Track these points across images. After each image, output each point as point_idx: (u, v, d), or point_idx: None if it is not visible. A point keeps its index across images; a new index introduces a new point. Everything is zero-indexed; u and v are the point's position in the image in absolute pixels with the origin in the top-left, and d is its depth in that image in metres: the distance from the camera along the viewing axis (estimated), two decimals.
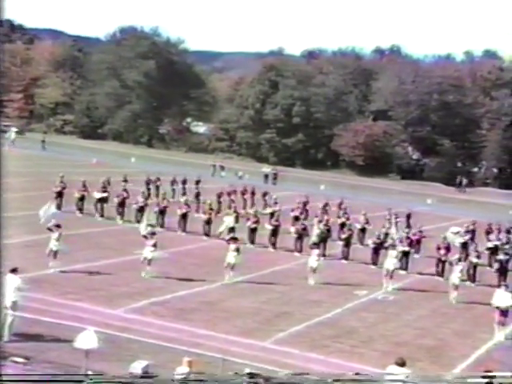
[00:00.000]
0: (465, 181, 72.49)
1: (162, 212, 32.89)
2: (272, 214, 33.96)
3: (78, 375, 12.01)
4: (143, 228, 26.29)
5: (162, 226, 32.02)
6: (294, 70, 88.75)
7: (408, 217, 38.32)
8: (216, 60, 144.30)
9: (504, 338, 20.55)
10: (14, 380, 7.05)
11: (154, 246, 23.93)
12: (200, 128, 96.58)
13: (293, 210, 36.18)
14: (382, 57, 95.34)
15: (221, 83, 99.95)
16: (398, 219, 35.10)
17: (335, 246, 31.15)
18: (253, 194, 41.35)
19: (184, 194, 38.37)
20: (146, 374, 13.87)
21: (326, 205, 38.52)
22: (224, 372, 14.98)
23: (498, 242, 31.04)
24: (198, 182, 42.04)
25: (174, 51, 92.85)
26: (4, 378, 8.05)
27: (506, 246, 30.36)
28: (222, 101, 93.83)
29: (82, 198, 33.79)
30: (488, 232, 34.06)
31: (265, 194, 41.59)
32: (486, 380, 12.74)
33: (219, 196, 38.75)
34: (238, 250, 24.61)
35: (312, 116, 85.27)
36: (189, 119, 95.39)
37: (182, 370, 13.55)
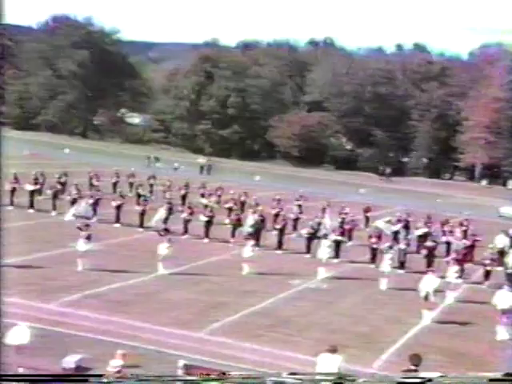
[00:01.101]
0: (388, 170, 73.95)
1: (95, 204, 32.70)
2: (207, 205, 34.11)
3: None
4: (68, 216, 26.35)
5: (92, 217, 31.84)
6: (229, 61, 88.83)
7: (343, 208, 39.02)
8: (151, 50, 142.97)
9: (431, 322, 21.25)
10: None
11: (88, 238, 23.78)
12: (135, 119, 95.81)
13: (227, 202, 36.45)
14: (316, 49, 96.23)
15: (156, 74, 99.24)
16: (330, 209, 35.62)
17: (269, 236, 31.50)
18: (186, 185, 41.39)
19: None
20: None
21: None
22: (159, 364, 15.08)
23: (426, 230, 31.89)
24: (133, 175, 42.00)
25: (109, 41, 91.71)
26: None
27: (434, 233, 31.27)
28: (157, 92, 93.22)
29: (13, 191, 33.23)
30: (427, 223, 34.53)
31: (201, 186, 41.67)
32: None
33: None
34: (170, 241, 24.69)
35: (248, 107, 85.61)
36: (124, 110, 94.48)
37: (115, 363, 13.56)
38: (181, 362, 13.39)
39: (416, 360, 13.23)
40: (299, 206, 37.63)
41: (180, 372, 13.17)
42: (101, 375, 4.81)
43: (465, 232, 33.39)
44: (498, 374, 9.69)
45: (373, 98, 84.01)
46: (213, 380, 8.65)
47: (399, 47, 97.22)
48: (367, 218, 36.80)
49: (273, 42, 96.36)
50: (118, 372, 13.12)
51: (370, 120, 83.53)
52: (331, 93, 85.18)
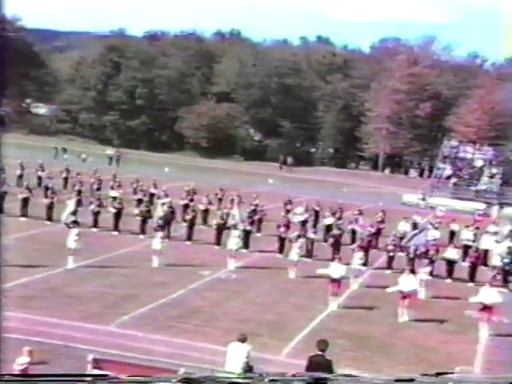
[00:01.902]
0: (290, 160, 75.12)
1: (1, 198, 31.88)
2: (115, 197, 33.83)
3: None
4: None
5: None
6: (136, 51, 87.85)
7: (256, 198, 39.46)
8: (57, 39, 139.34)
9: (337, 307, 21.93)
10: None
11: None
12: (41, 109, 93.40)
13: (136, 193, 36.25)
14: (222, 40, 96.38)
15: (62, 63, 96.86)
16: (239, 199, 35.97)
17: (179, 228, 31.58)
18: (96, 177, 40.84)
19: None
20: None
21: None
22: (68, 359, 14.96)
23: (332, 219, 32.72)
24: (41, 167, 41.11)
25: (11, 29, 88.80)
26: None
27: (339, 222, 32.13)
28: (63, 81, 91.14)
29: None
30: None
31: (112, 177, 41.15)
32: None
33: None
34: (78, 234, 24.42)
35: (155, 98, 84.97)
36: (29, 100, 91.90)
37: (22, 360, 13.38)
38: (90, 357, 13.35)
39: (323, 345, 13.68)
40: (220, 199, 37.79)
41: (89, 366, 13.14)
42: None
43: (382, 222, 34.36)
44: None
45: (279, 89, 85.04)
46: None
47: (303, 39, 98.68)
48: (287, 211, 36.96)
49: (179, 32, 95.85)
50: (25, 370, 12.95)
51: (277, 111, 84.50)
52: (239, 84, 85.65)
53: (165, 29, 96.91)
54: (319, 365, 13.41)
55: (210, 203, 34.77)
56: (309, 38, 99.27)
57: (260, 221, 33.45)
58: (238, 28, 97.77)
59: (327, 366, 13.37)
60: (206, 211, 34.24)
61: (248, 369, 13.66)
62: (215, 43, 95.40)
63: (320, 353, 13.52)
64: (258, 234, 32.35)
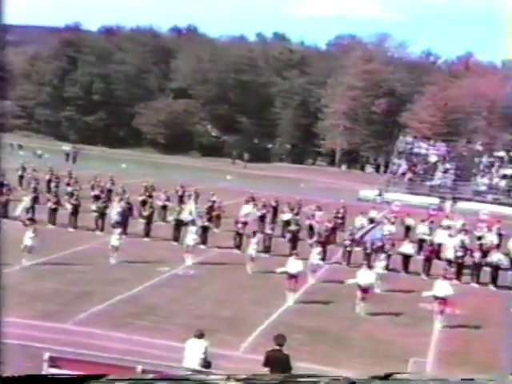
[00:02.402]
0: (246, 156, 75.21)
1: None
2: (72, 194, 33.51)
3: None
4: None
5: None
6: (92, 46, 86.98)
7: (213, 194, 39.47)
8: (10, 33, 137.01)
9: (293, 303, 22.12)
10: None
11: None
12: None
13: (93, 189, 35.99)
14: (179, 36, 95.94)
15: (16, 58, 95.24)
16: (196, 195, 35.95)
17: (137, 224, 31.45)
18: (52, 173, 40.40)
19: None
20: None
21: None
22: (24, 358, 14.84)
23: (290, 215, 32.94)
24: None
25: None
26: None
27: (297, 217, 32.37)
28: (18, 76, 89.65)
29: None
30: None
31: (68, 173, 40.76)
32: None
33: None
34: (35, 231, 24.18)
35: (112, 93, 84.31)
36: None
37: None
38: (46, 355, 13.27)
39: (280, 340, 13.84)
40: (181, 196, 37.61)
41: (45, 365, 13.05)
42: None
43: (342, 217, 34.74)
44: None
45: (236, 85, 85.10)
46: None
47: (260, 35, 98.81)
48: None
49: (136, 27, 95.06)
50: None
51: (234, 107, 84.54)
52: (196, 80, 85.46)
53: (120, 24, 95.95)
54: (276, 359, 13.56)
55: (167, 199, 34.69)
56: (265, 34, 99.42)
57: (218, 217, 33.50)
58: (194, 24, 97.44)
59: (285, 361, 13.53)
60: (163, 207, 34.16)
61: (206, 365, 13.74)
62: (172, 39, 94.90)
63: (278, 347, 13.67)
64: (216, 230, 32.39)
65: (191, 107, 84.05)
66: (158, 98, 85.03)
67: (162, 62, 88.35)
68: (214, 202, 34.87)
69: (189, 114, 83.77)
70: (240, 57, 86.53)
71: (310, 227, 32.46)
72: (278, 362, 13.54)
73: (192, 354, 13.91)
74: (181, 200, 36.57)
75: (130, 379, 5.12)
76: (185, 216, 30.38)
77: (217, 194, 36.82)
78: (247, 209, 32.61)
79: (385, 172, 71.19)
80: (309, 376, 5.22)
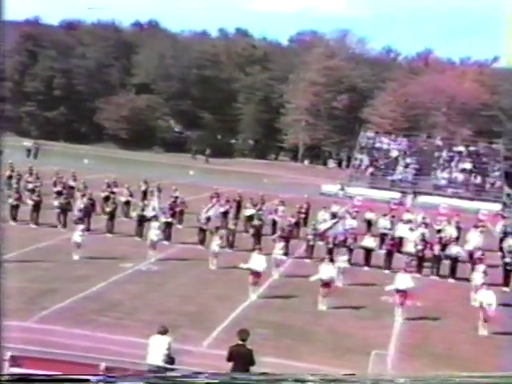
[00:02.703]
0: (207, 151, 75.14)
1: None
2: (34, 190, 33.19)
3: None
4: None
5: None
6: (53, 40, 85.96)
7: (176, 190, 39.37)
8: None
9: (257, 297, 22.26)
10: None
11: None
12: None
13: (55, 185, 35.66)
14: (141, 30, 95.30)
15: None
16: (159, 191, 35.83)
17: (100, 220, 31.29)
18: (12, 169, 39.88)
19: None
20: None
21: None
22: None
23: (253, 210, 33.05)
24: None
25: None
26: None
27: (260, 213, 32.50)
28: None
29: None
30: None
31: (29, 169, 40.29)
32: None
33: None
34: None
35: (74, 88, 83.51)
36: None
37: None
38: (7, 355, 13.16)
39: (244, 335, 13.97)
40: (144, 192, 37.38)
41: (7, 364, 12.96)
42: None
43: (306, 212, 34.94)
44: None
45: (199, 80, 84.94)
46: None
47: (222, 31, 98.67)
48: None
49: (97, 21, 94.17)
50: None
51: (197, 102, 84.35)
52: (158, 75, 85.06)
53: (81, 18, 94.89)
54: (240, 354, 13.70)
55: (130, 195, 34.54)
56: (228, 29, 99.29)
57: (181, 212, 33.48)
58: (155, 19, 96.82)
59: (248, 356, 13.67)
60: (126, 203, 34.02)
61: (169, 361, 13.80)
62: (133, 34, 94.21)
63: (241, 342, 13.80)
64: (180, 226, 32.38)
65: (154, 102, 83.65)
66: (119, 93, 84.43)
67: (124, 57, 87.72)
68: (176, 197, 34.81)
69: (151, 109, 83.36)
70: (202, 52, 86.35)
71: (273, 222, 32.65)
72: (241, 356, 13.67)
73: (155, 350, 13.96)
74: (144, 196, 36.43)
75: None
76: (148, 212, 30.34)
77: (180, 189, 36.76)
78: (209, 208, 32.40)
79: (347, 167, 71.78)
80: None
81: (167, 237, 29.25)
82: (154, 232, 26.74)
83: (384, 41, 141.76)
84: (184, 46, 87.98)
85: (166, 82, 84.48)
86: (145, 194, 37.07)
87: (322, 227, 30.48)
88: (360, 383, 6.97)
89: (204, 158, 74.45)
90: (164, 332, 14.21)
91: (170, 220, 30.10)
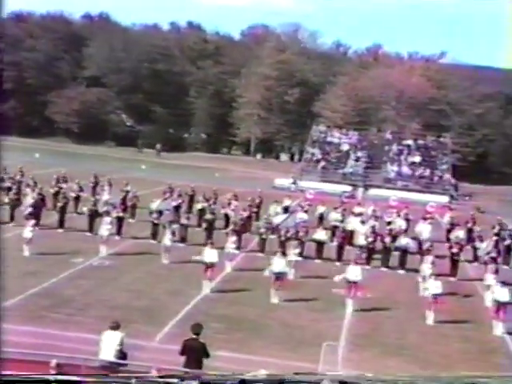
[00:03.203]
0: (158, 146, 74.72)
1: None
2: None
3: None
4: None
5: None
6: (1, 32, 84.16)
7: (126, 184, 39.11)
8: None
9: (210, 291, 22.35)
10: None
11: None
12: None
13: (4, 180, 35.10)
14: (91, 23, 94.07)
15: None
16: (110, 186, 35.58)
17: (50, 215, 30.94)
18: None
19: None
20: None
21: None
22: None
23: (205, 204, 33.08)
24: None
25: None
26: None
27: (213, 207, 32.56)
28: None
29: None
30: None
31: None
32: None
33: None
34: None
35: (24, 81, 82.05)
36: None
37: None
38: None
39: (197, 329, 14.06)
40: (93, 186, 36.94)
41: None
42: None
43: (258, 206, 35.08)
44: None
45: (151, 74, 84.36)
46: None
47: (173, 24, 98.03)
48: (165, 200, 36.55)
49: (46, 13, 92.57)
50: None
51: (149, 96, 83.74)
52: (109, 68, 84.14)
53: (30, 9, 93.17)
54: (193, 348, 13.80)
55: (81, 190, 34.21)
56: (179, 23, 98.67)
57: (133, 207, 33.30)
58: (106, 11, 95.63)
59: (201, 350, 13.78)
60: (77, 198, 33.67)
61: (121, 356, 13.78)
62: (83, 26, 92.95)
63: (194, 336, 13.89)
64: (131, 220, 32.22)
65: (105, 96, 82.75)
66: (70, 87, 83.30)
67: (74, 50, 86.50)
68: (128, 191, 34.62)
69: (102, 102, 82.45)
70: (154, 46, 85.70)
71: (226, 216, 32.72)
72: (194, 350, 13.77)
73: (107, 345, 13.92)
74: (93, 190, 36.11)
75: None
76: (99, 206, 30.13)
77: (132, 183, 36.55)
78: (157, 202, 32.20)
79: (299, 160, 72.25)
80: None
81: (118, 231, 29.08)
82: (105, 227, 26.60)
83: (334, 35, 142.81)
84: (135, 40, 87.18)
85: (117, 75, 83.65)
86: (94, 188, 36.75)
87: (275, 221, 30.74)
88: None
89: (155, 152, 73.94)
90: (116, 327, 14.18)
91: (121, 215, 29.93)
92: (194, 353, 13.73)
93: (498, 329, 20.63)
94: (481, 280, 24.99)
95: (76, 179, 35.24)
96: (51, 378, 6.11)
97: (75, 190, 33.98)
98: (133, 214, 32.97)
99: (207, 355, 13.72)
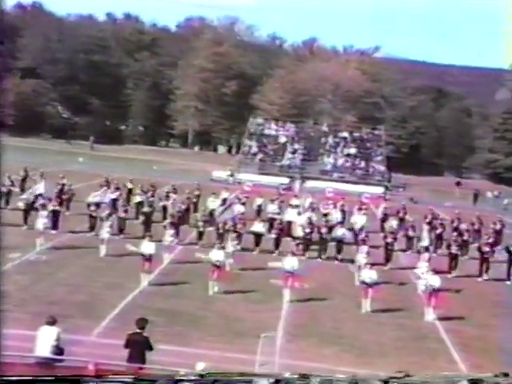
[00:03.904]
0: (92, 138, 73.95)
1: None
2: None
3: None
4: None
5: None
6: None
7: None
8: None
9: (148, 284, 22.34)
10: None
11: None
12: None
13: None
14: (24, 13, 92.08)
15: None
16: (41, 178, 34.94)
17: None
18: None
19: None
20: None
21: None
22: None
23: (144, 196, 32.96)
24: None
25: None
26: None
27: (150, 199, 32.47)
28: None
29: None
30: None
31: None
32: None
33: None
34: None
35: None
36: None
37: None
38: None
39: (142, 323, 14.20)
40: (23, 179, 36.15)
41: None
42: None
43: (196, 199, 35.04)
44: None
45: (87, 65, 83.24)
46: None
47: (109, 16, 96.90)
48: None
49: None
50: None
51: (85, 88, 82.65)
52: (44, 59, 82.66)
53: None
54: (137, 342, 13.90)
55: (12, 184, 33.51)
56: (116, 14, 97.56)
57: (68, 200, 32.84)
58: (39, 1, 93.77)
59: (144, 343, 13.91)
60: (8, 193, 32.90)
61: (58, 352, 13.70)
62: (17, 16, 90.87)
63: (139, 330, 14.00)
64: (67, 214, 31.81)
65: (40, 87, 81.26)
66: (4, 78, 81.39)
67: (8, 40, 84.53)
68: (63, 185, 34.14)
69: (38, 94, 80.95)
70: (90, 37, 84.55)
71: (164, 208, 32.68)
72: (137, 343, 13.88)
73: (44, 341, 13.81)
74: (22, 184, 35.28)
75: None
76: (33, 200, 29.67)
77: (69, 176, 36.06)
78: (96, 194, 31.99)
79: (237, 153, 72.50)
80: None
81: (54, 225, 28.68)
82: (41, 221, 26.23)
83: (270, 29, 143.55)
84: (70, 30, 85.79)
85: (53, 66, 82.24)
86: (23, 182, 35.98)
87: (214, 213, 30.87)
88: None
89: (90, 145, 72.96)
90: (52, 322, 14.08)
91: (57, 208, 29.52)
92: (138, 346, 13.86)
93: (430, 315, 21.29)
94: (414, 268, 25.68)
95: (6, 173, 34.45)
96: None
97: (7, 184, 33.26)
98: (68, 208, 32.54)
99: (150, 348, 13.87)
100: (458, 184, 65.15)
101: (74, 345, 15.10)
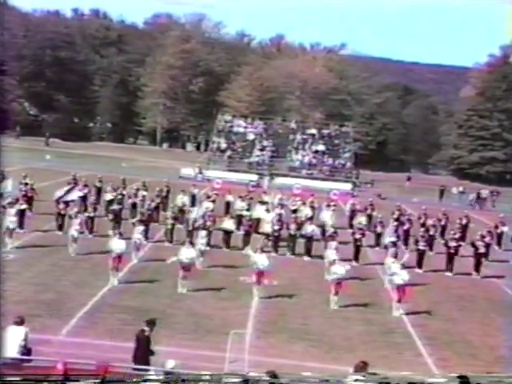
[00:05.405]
0: (48, 133, 73.16)
1: None
2: None
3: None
4: None
5: None
6: None
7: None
8: None
9: (117, 282, 22.27)
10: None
11: None
12: None
13: None
14: None
15: None
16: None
17: None
18: None
19: None
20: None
21: None
22: None
23: (114, 194, 32.78)
24: None
25: None
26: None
27: (120, 197, 32.31)
28: None
29: None
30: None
31: None
32: None
33: None
34: None
35: None
36: None
37: None
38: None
39: (149, 322, 14.51)
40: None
41: None
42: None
43: (165, 196, 34.90)
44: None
45: (53, 62, 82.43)
46: None
47: (77, 12, 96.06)
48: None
49: None
50: None
51: (52, 84, 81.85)
52: (10, 55, 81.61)
53: None
54: (140, 340, 14.25)
55: None
56: (83, 10, 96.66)
57: (31, 199, 32.30)
58: None
59: (146, 342, 14.18)
60: None
61: (25, 352, 13.61)
62: None
63: (146, 328, 14.31)
64: (30, 214, 31.19)
65: (6, 84, 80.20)
66: None
67: None
68: (26, 184, 33.62)
69: (4, 91, 79.89)
70: (56, 33, 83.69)
71: (133, 206, 32.55)
72: (141, 341, 14.20)
73: (11, 341, 13.69)
74: None
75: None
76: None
77: (36, 174, 35.67)
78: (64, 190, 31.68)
79: (205, 150, 72.46)
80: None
81: (20, 224, 28.33)
82: (10, 219, 25.91)
83: (237, 26, 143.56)
84: (36, 26, 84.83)
85: (18, 62, 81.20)
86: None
87: (183, 210, 30.82)
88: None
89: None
90: (20, 322, 13.99)
91: (23, 207, 29.21)
92: (141, 343, 14.18)
93: (397, 310, 21.56)
94: (381, 264, 25.96)
95: None
96: None
97: None
98: (31, 205, 32.01)
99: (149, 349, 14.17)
100: (409, 179, 66.88)
101: (42, 344, 15.03)
